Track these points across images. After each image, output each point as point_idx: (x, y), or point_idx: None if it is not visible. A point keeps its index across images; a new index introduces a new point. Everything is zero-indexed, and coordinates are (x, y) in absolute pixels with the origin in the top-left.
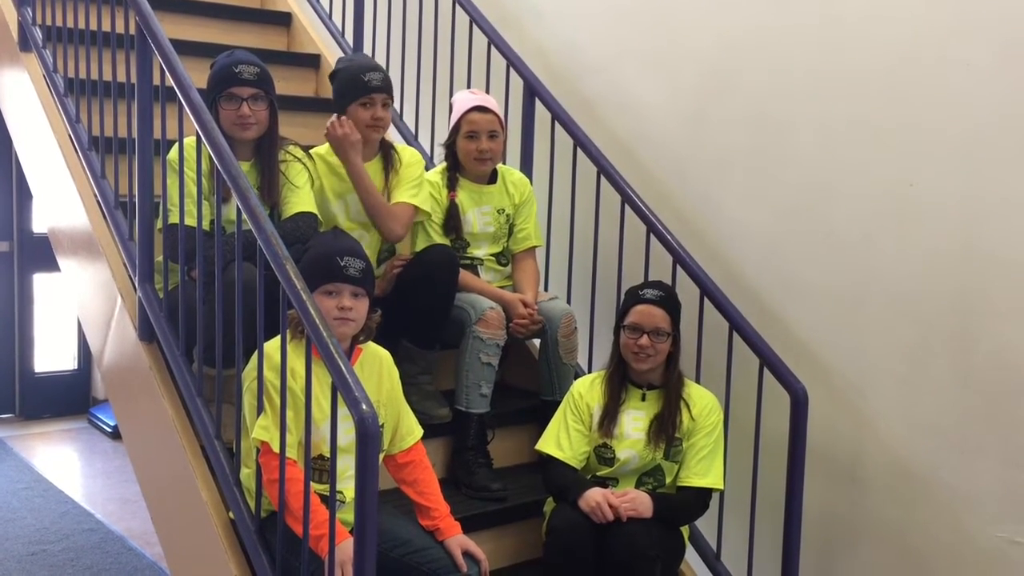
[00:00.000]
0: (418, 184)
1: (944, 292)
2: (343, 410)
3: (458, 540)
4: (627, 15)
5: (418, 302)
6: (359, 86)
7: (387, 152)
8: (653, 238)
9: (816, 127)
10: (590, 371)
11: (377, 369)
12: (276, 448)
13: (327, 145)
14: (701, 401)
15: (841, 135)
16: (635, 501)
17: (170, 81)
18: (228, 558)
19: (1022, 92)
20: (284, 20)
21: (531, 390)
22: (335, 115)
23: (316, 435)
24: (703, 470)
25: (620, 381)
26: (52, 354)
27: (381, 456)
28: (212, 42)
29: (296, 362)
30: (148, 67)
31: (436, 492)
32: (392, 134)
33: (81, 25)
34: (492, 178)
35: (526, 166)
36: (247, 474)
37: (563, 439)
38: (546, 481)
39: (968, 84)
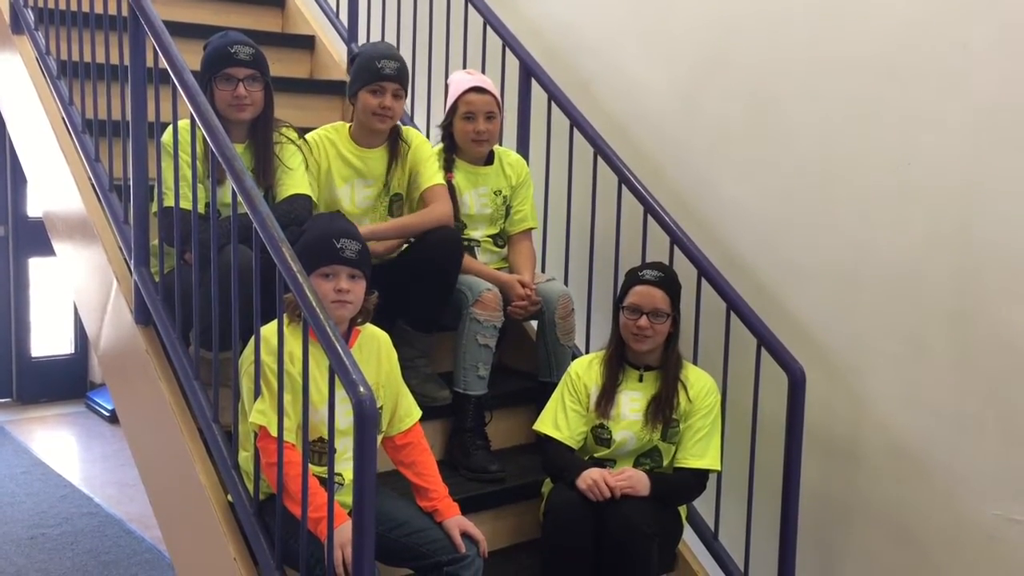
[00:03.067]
0: (433, 160)
1: (941, 272)
2: (341, 392)
3: (456, 521)
4: None
5: (421, 284)
6: (371, 72)
7: (394, 138)
8: (650, 219)
9: (813, 108)
10: (587, 352)
11: (375, 351)
12: (274, 432)
13: (324, 129)
14: (699, 383)
15: (839, 116)
16: (632, 479)
17: (164, 63)
18: (227, 541)
19: (1020, 73)
20: (278, 1)
21: (528, 371)
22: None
23: (315, 417)
24: (700, 451)
25: (618, 362)
26: (49, 338)
27: (379, 438)
28: (206, 23)
29: (294, 345)
30: (141, 49)
31: (434, 474)
32: None
33: (73, 7)
34: (489, 159)
35: (522, 147)
36: (245, 457)
37: (560, 419)
38: (544, 461)
39: (966, 65)
